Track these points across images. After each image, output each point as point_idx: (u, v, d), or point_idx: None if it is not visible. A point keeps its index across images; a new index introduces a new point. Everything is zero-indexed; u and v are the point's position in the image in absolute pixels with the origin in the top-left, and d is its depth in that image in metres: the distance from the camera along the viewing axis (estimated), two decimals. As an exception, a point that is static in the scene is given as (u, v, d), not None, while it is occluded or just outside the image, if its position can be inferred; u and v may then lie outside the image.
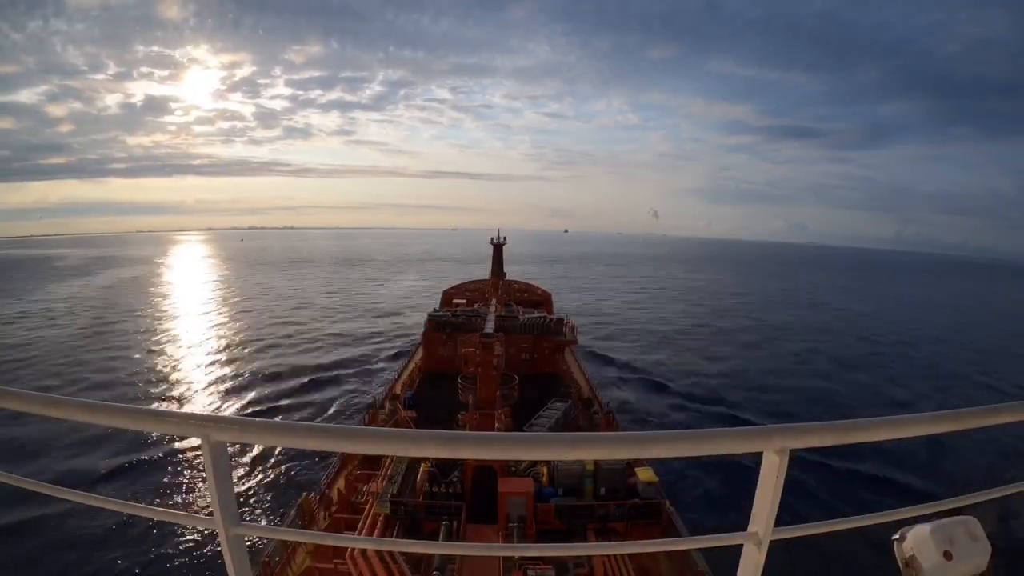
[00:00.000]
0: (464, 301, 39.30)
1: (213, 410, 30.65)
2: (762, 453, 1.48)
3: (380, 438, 1.41)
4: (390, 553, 11.81)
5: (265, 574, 12.16)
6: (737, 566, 1.58)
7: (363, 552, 11.53)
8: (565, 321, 32.24)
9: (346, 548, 11.68)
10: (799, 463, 22.68)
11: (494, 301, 36.01)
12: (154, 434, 22.95)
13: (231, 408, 31.10)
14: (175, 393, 33.58)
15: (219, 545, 1.52)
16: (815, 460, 23.40)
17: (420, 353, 31.53)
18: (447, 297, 40.56)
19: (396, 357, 41.13)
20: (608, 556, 12.25)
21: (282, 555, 12.86)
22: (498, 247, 45.68)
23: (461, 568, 12.02)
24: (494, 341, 19.93)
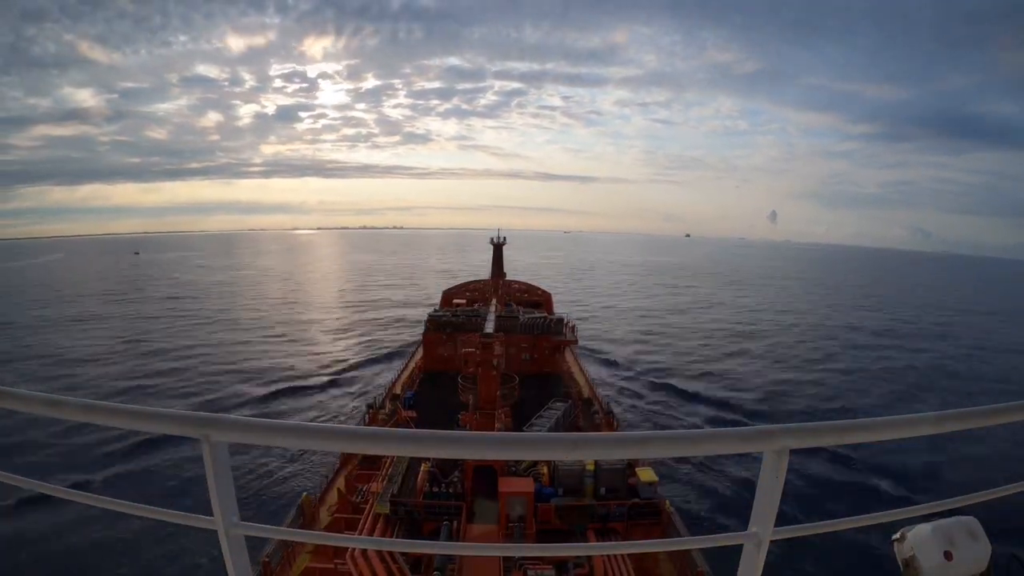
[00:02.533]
0: (464, 301, 39.27)
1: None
2: (762, 453, 1.48)
3: (380, 438, 1.41)
4: (390, 553, 11.81)
5: (265, 574, 12.16)
6: (737, 566, 1.58)
7: (363, 552, 11.53)
8: (565, 321, 32.25)
9: (346, 548, 11.69)
10: (799, 463, 22.66)
11: (494, 301, 36.00)
12: (154, 434, 22.94)
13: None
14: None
15: (219, 545, 1.52)
16: (816, 460, 23.41)
17: (420, 353, 31.53)
18: (447, 297, 40.52)
19: (396, 357, 41.11)
20: (608, 556, 12.25)
21: (282, 555, 12.86)
22: (498, 247, 45.70)
23: (461, 568, 12.02)
24: (494, 341, 19.91)
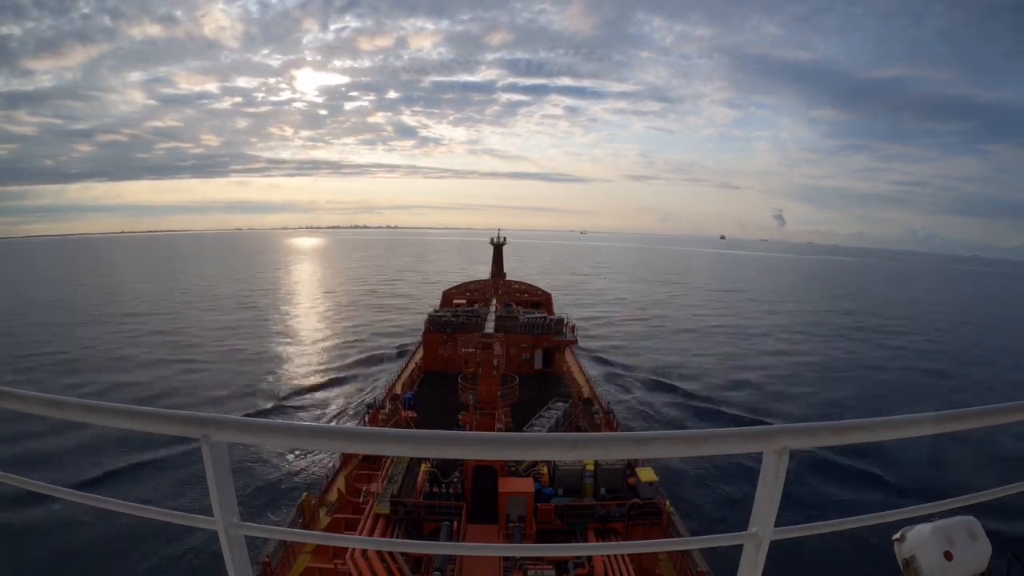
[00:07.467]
0: (464, 301, 39.29)
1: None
2: (762, 453, 1.48)
3: (380, 438, 1.41)
4: (390, 553, 11.81)
5: (265, 574, 12.17)
6: (737, 566, 1.58)
7: (363, 552, 11.53)
8: (565, 321, 32.25)
9: (346, 548, 11.69)
10: (799, 463, 22.63)
11: (494, 301, 36.01)
12: (154, 434, 22.84)
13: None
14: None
15: (219, 545, 1.52)
16: (816, 460, 23.38)
17: (420, 353, 31.53)
18: (447, 297, 40.51)
19: (396, 357, 41.05)
20: (608, 556, 12.25)
21: (282, 555, 12.87)
22: (498, 247, 45.73)
23: (461, 568, 12.02)
24: (494, 341, 19.93)
